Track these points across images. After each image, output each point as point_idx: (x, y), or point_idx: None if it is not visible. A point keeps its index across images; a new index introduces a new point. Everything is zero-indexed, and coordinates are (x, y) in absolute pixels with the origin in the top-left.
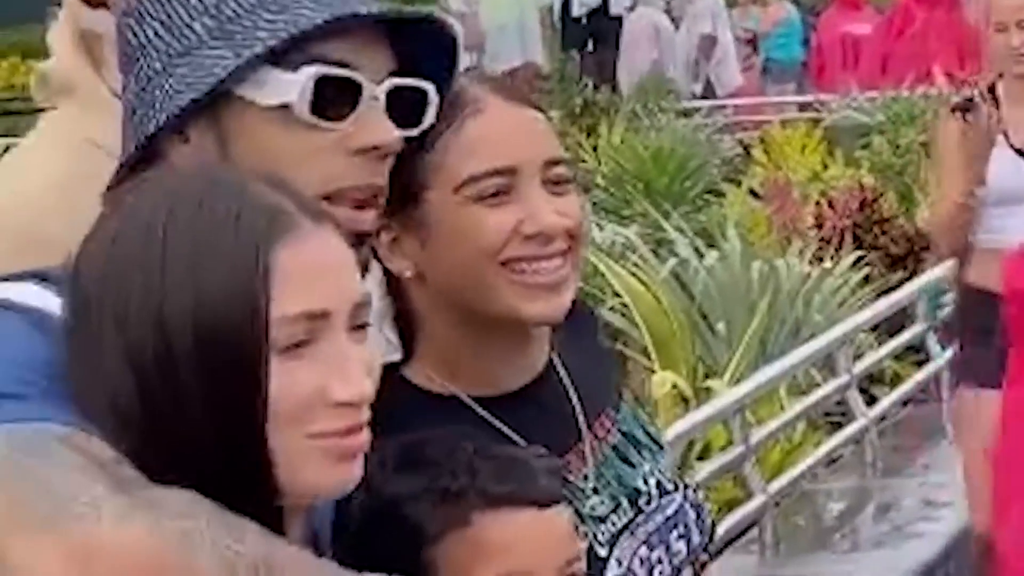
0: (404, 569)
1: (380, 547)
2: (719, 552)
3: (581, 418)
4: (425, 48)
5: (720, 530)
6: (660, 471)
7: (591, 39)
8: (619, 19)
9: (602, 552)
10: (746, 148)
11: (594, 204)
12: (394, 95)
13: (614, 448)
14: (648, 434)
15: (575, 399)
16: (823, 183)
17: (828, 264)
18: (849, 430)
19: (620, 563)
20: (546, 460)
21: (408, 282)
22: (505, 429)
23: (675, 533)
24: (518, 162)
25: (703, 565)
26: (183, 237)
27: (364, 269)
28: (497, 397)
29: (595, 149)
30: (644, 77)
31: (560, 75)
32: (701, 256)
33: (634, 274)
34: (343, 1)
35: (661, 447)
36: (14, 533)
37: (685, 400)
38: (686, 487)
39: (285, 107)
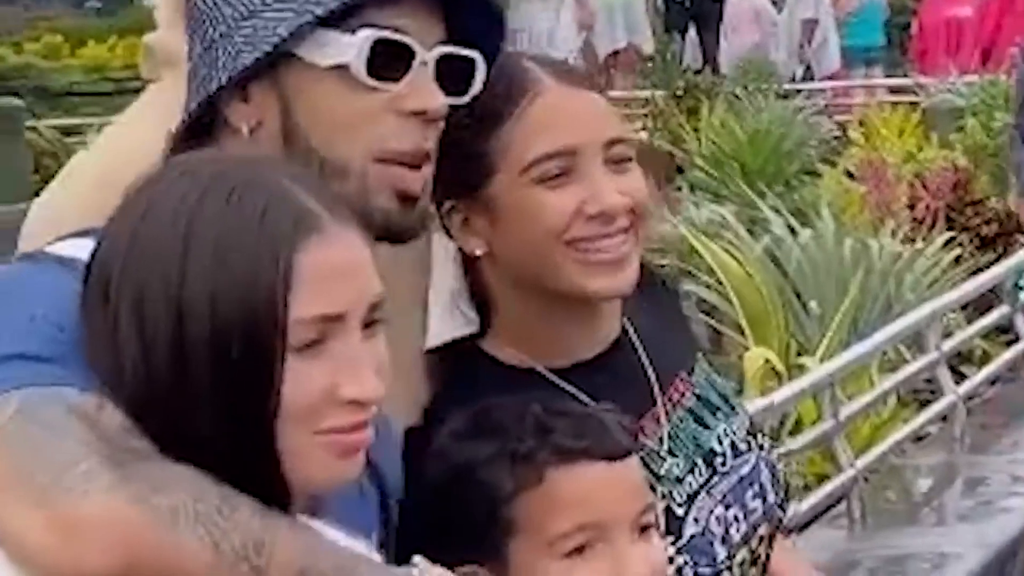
0: (483, 529)
1: (458, 511)
2: (807, 525)
3: (655, 383)
4: (476, 20)
5: (808, 504)
6: (734, 432)
7: (693, 21)
8: (721, 1)
9: (679, 512)
10: (844, 130)
11: (691, 185)
12: (443, 63)
13: (689, 411)
14: (723, 397)
15: (648, 365)
16: (918, 164)
17: (920, 244)
18: (937, 407)
19: (697, 521)
20: (617, 415)
21: (480, 259)
22: (580, 396)
23: (750, 492)
24: (579, 143)
25: (779, 522)
26: (209, 230)
27: (417, 232)
28: (571, 367)
29: (695, 130)
30: (746, 59)
31: (662, 57)
32: (795, 234)
33: (728, 252)
34: None
35: (735, 409)
36: (9, 500)
37: (778, 376)
38: (760, 447)
39: (342, 68)
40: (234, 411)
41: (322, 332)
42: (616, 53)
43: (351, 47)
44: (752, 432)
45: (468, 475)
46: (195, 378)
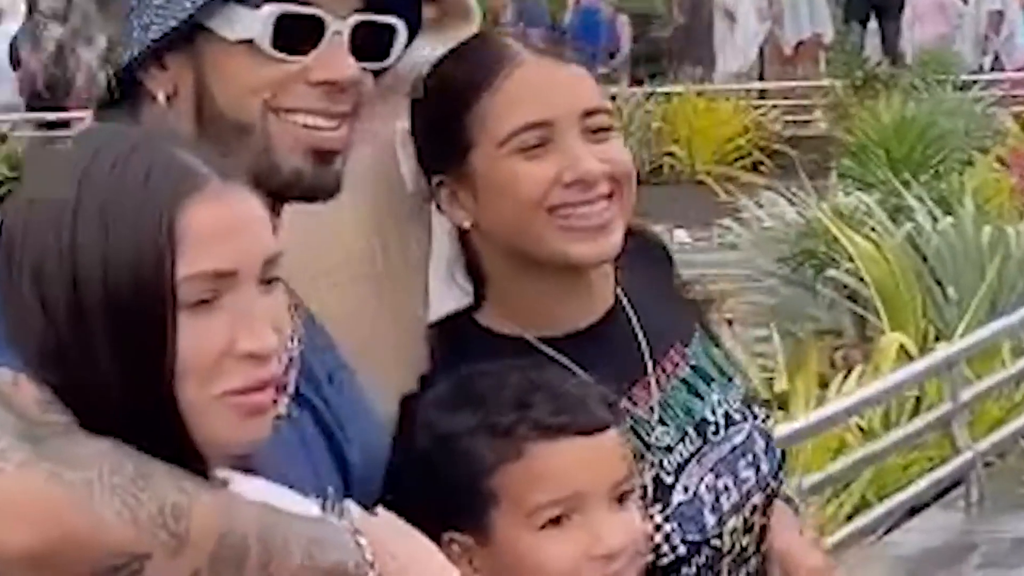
0: (464, 499)
1: (441, 480)
2: (925, 507)
3: (647, 352)
4: None
5: (924, 483)
6: (729, 402)
7: (874, 11)
8: None
9: (668, 480)
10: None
11: (841, 173)
12: (362, 30)
13: (683, 381)
14: (719, 368)
15: (641, 335)
16: None
17: None
18: None
19: (687, 490)
20: (598, 388)
21: (470, 232)
22: (571, 366)
23: (743, 462)
24: (555, 114)
25: (774, 492)
26: (95, 199)
27: (333, 192)
28: (563, 337)
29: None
30: (927, 50)
31: (841, 47)
32: (936, 222)
33: (870, 239)
34: None
35: (731, 379)
36: None
37: (911, 360)
38: (755, 417)
39: (250, 42)
40: (134, 373)
41: (215, 290)
42: (801, 43)
43: (257, 22)
44: (748, 402)
45: (451, 445)
46: (96, 344)
